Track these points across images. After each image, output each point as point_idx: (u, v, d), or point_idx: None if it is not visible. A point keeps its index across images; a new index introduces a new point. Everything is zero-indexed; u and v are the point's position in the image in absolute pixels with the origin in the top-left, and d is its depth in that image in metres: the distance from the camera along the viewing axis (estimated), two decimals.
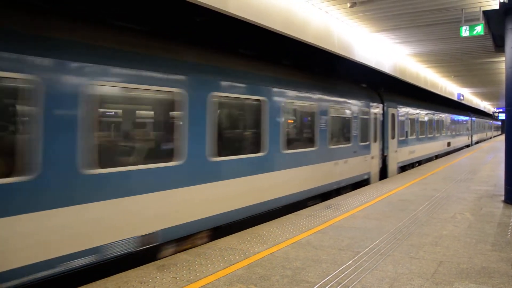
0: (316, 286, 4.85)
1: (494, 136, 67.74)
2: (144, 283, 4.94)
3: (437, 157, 24.57)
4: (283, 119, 8.97)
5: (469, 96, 35.70)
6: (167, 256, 6.06)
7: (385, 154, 15.39)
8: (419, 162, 20.79)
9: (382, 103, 15.35)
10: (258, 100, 8.26)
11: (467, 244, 6.54)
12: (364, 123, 13.36)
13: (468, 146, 37.20)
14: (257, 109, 8.32)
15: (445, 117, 27.40)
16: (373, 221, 8.09)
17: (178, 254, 6.04)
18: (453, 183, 13.29)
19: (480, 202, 10.06)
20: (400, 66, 15.78)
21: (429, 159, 22.72)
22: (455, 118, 31.34)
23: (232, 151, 7.58)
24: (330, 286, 4.87)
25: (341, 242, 6.64)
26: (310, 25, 9.16)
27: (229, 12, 6.77)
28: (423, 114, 21.28)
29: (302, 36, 8.86)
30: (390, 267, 5.49)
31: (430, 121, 22.93)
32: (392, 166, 16.12)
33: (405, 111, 18.02)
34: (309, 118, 10.38)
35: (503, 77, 21.58)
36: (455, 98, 28.08)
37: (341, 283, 4.92)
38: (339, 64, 13.26)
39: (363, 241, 6.71)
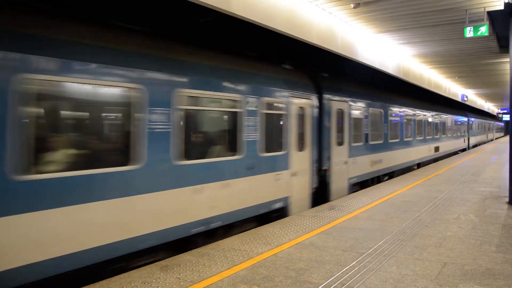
0: (319, 287, 4.84)
1: (496, 138, 63.65)
2: (148, 283, 4.95)
3: (419, 165, 20.10)
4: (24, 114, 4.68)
5: (473, 97, 35.59)
6: (170, 257, 6.06)
7: (324, 168, 10.66)
8: (391, 175, 16.02)
9: (319, 93, 10.58)
10: None
11: (471, 245, 6.51)
12: (275, 123, 8.84)
13: (464, 150, 32.63)
14: None
15: (433, 116, 22.71)
16: (377, 222, 8.06)
17: (181, 255, 6.05)
18: (456, 184, 13.23)
19: (485, 203, 10.01)
20: (404, 67, 15.74)
21: (406, 170, 17.75)
22: (448, 118, 26.59)
23: None
24: (334, 287, 4.85)
25: (344, 243, 6.62)
26: (314, 26, 9.16)
27: (232, 13, 6.78)
28: (396, 112, 16.60)
29: (306, 37, 8.87)
30: (394, 268, 5.47)
31: (409, 120, 18.32)
32: (339, 184, 11.41)
33: (363, 107, 13.27)
34: (122, 113, 6.00)
35: (507, 78, 21.49)
36: (459, 99, 27.98)
37: (344, 284, 4.91)
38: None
39: (367, 242, 6.69)
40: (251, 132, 8.01)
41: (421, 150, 20.13)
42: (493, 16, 10.37)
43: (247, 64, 8.44)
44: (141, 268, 5.50)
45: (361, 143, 13.00)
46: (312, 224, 7.89)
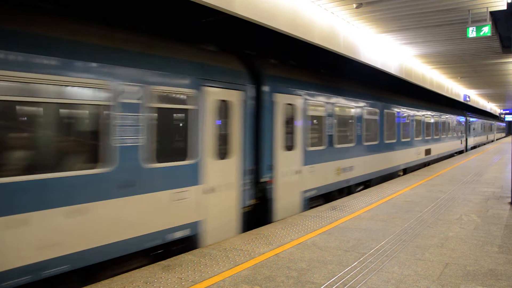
0: (321, 287, 4.84)
1: (497, 139, 61.56)
2: (149, 283, 4.96)
3: (405, 171, 17.68)
4: None
5: (476, 97, 35.49)
6: (172, 257, 6.07)
7: (264, 180, 8.34)
8: (367, 183, 13.58)
9: (257, 83, 8.30)
10: None
11: (473, 246, 6.50)
12: (176, 121, 6.83)
13: (461, 152, 30.24)
14: None
15: (424, 115, 20.18)
16: (379, 222, 8.06)
17: (183, 255, 6.05)
18: (459, 184, 13.21)
19: (487, 204, 9.99)
20: (406, 67, 15.71)
21: (387, 177, 15.26)
22: (442, 117, 23.89)
23: None
24: (336, 287, 4.85)
25: (346, 243, 6.62)
26: (316, 26, 9.15)
27: (235, 13, 6.78)
28: (376, 110, 14.04)
29: (308, 37, 8.86)
30: (396, 268, 5.47)
31: (392, 120, 15.72)
32: (288, 199, 9.04)
33: (327, 103, 10.82)
34: None
35: (510, 78, 21.52)
36: (462, 100, 27.91)
37: (346, 284, 4.91)
38: None
39: (369, 242, 6.69)
40: (130, 135, 5.68)
41: (407, 153, 17.63)
42: (496, 16, 10.36)
43: (123, 39, 5.95)
44: (142, 268, 5.51)
45: (322, 147, 10.55)
46: (314, 224, 7.89)
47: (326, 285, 4.90)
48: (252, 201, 8.08)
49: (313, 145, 10.13)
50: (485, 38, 10.99)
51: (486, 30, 9.66)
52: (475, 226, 7.75)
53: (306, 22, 8.75)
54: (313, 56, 11.43)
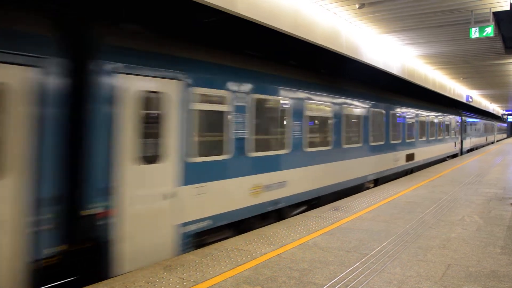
0: None
1: (497, 141, 58.69)
2: (151, 283, 4.96)
3: (377, 182, 14.19)
4: None
5: (478, 98, 35.41)
6: (174, 257, 6.07)
7: (88, 212, 5.34)
8: (312, 202, 10.12)
9: (85, 57, 5.45)
10: None
11: (475, 247, 6.48)
12: None
13: (455, 156, 27.39)
14: None
15: (404, 113, 16.74)
16: (381, 223, 8.04)
17: (184, 255, 6.06)
18: (461, 185, 13.18)
19: (489, 205, 9.96)
20: (408, 67, 15.69)
21: (346, 191, 11.76)
22: (429, 117, 20.66)
23: None
24: None
25: (348, 244, 6.61)
26: (319, 26, 9.15)
27: (237, 13, 6.78)
28: (327, 104, 10.72)
29: (311, 37, 8.86)
30: (398, 269, 5.45)
31: (354, 117, 12.31)
32: (146, 238, 5.92)
33: (233, 91, 7.48)
34: None
35: None
36: (464, 100, 27.85)
37: (348, 285, 4.90)
38: None
39: (371, 243, 6.68)
40: None
41: (380, 160, 14.22)
42: (499, 16, 10.35)
43: None
44: (144, 268, 5.51)
45: (223, 157, 7.28)
46: (316, 224, 7.88)
47: (327, 286, 4.89)
48: (61, 248, 5.06)
49: (204, 153, 6.89)
50: (488, 38, 10.99)
51: (489, 30, 9.64)
52: (478, 227, 7.73)
53: (308, 22, 8.74)
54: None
